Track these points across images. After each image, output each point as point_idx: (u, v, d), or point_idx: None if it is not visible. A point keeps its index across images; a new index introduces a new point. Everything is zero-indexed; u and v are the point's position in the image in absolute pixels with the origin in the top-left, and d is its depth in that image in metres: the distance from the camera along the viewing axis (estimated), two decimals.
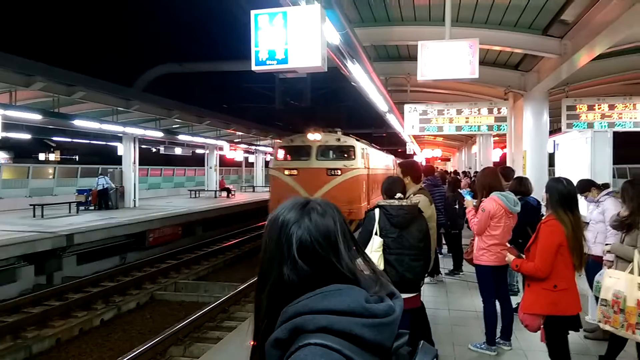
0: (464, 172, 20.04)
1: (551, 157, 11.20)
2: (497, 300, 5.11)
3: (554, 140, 11.39)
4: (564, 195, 3.73)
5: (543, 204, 4.04)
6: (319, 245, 1.15)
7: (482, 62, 9.74)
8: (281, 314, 1.11)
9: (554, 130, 13.83)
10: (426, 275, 5.49)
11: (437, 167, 25.04)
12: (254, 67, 4.82)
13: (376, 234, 4.02)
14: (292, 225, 1.17)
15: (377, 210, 4.12)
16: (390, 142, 28.66)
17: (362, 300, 1.09)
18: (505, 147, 14.70)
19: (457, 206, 8.45)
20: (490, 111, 11.10)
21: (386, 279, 1.25)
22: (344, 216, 1.27)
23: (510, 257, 4.05)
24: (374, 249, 3.96)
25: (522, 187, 6.05)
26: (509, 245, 4.93)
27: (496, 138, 20.25)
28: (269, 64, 4.75)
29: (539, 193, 5.75)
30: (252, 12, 4.71)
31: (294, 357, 1.01)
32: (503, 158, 19.16)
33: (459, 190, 7.32)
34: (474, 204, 5.19)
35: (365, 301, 1.09)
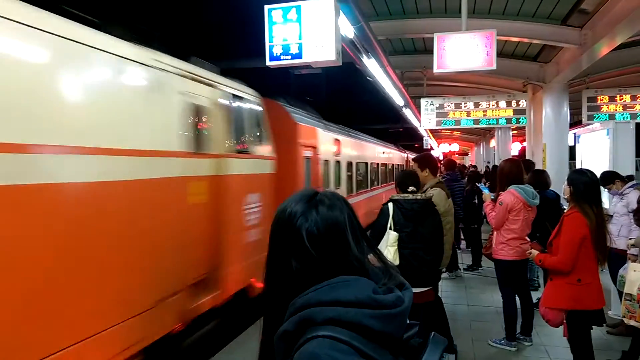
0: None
1: (571, 150, 10.98)
2: (517, 296, 5.04)
3: (575, 133, 11.16)
4: (589, 187, 3.64)
5: (564, 196, 3.95)
6: (327, 237, 1.14)
7: (500, 54, 9.59)
8: (289, 306, 1.10)
9: (575, 122, 13.57)
10: (443, 270, 5.44)
11: (456, 162, 24.80)
12: (268, 63, 4.81)
13: (390, 228, 3.98)
14: (299, 217, 1.15)
15: (390, 205, 4.07)
16: (407, 137, 28.45)
17: (370, 291, 1.07)
18: (524, 140, 14.49)
19: (475, 200, 8.35)
20: (509, 104, 10.95)
21: (396, 271, 1.23)
22: (353, 208, 1.25)
23: (534, 252, 3.97)
24: (389, 244, 3.92)
25: (540, 180, 5.94)
26: (528, 239, 4.86)
27: (515, 131, 20.00)
28: (284, 59, 4.74)
29: (558, 186, 5.64)
30: (266, 7, 4.70)
31: (302, 349, 1.00)
32: (522, 152, 18.89)
33: (477, 184, 7.22)
34: (492, 197, 5.11)
35: (373, 292, 1.08)
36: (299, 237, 1.13)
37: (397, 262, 3.86)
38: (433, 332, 1.21)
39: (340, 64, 4.87)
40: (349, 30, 5.52)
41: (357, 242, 1.17)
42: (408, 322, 1.15)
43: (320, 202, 1.18)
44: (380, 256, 1.24)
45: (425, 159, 5.10)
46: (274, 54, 4.70)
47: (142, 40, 4.24)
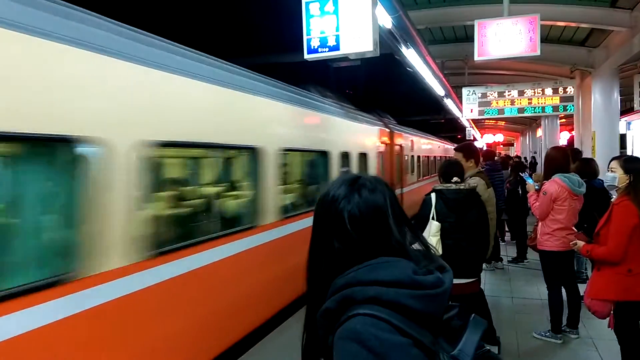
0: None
1: (622, 138, 10.54)
2: (563, 287, 4.91)
3: (626, 120, 10.70)
4: None
5: (610, 184, 3.79)
6: (368, 219, 1.18)
7: (546, 40, 9.32)
8: (331, 285, 1.14)
9: (626, 109, 12.99)
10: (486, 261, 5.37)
11: (500, 152, 24.16)
12: (306, 56, 4.86)
13: (433, 218, 3.95)
14: (342, 200, 1.19)
15: (433, 195, 4.04)
16: (449, 128, 27.98)
17: (409, 272, 1.11)
18: (572, 129, 13.99)
19: (519, 190, 8.13)
20: (556, 91, 10.61)
21: (436, 254, 1.26)
22: (394, 192, 1.27)
23: (580, 244, 3.86)
24: (432, 234, 3.89)
25: (588, 168, 5.73)
26: (575, 230, 4.71)
27: (563, 120, 19.31)
28: (321, 52, 4.78)
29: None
30: (303, 0, 4.74)
31: (344, 326, 1.05)
32: (571, 141, 18.23)
33: (520, 174, 7.05)
34: (536, 187, 4.98)
35: (413, 273, 1.11)
36: (341, 219, 1.17)
37: (440, 252, 3.84)
38: (473, 314, 1.23)
39: (378, 55, 4.86)
40: (386, 21, 5.50)
41: (398, 225, 1.20)
42: (449, 303, 1.18)
43: (362, 186, 1.21)
44: (421, 239, 1.27)
45: (469, 148, 5.07)
46: (312, 47, 4.74)
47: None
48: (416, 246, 1.27)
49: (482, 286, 4.80)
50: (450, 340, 1.14)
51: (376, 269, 1.11)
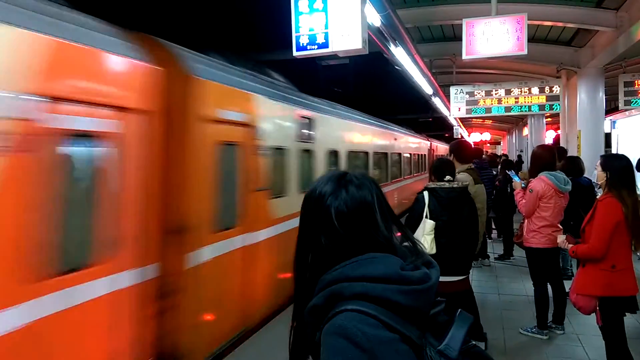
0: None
1: (607, 137, 10.68)
2: (549, 284, 4.97)
3: (611, 119, 10.84)
4: (625, 171, 3.57)
5: (597, 183, 3.87)
6: (355, 215, 1.18)
7: (532, 39, 9.41)
8: (319, 282, 1.15)
9: (611, 109, 13.17)
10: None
11: (488, 151, 24.37)
12: (295, 53, 4.84)
13: (426, 216, 3.95)
14: (329, 196, 1.20)
15: (426, 193, 4.05)
16: (437, 127, 28.11)
17: (397, 268, 1.11)
18: (558, 128, 14.14)
19: (509, 188, 8.18)
20: (542, 90, 10.71)
21: (423, 250, 1.27)
22: (381, 189, 1.28)
23: (562, 238, 3.92)
24: (426, 232, 3.89)
25: (574, 166, 5.80)
26: (560, 227, 4.77)
27: (549, 119, 19.53)
28: (310, 49, 4.77)
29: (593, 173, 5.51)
30: None
31: (332, 322, 1.05)
32: (557, 140, 18.41)
33: (507, 171, 7.10)
34: (522, 185, 5.04)
35: (400, 269, 1.11)
36: (328, 215, 1.18)
37: (434, 251, 3.84)
38: (460, 309, 1.23)
39: (367, 53, 4.86)
40: (375, 19, 5.50)
41: (385, 221, 1.21)
42: (436, 299, 1.19)
43: (349, 182, 1.22)
44: (408, 235, 1.28)
45: (455, 146, 5.18)
46: (301, 44, 4.73)
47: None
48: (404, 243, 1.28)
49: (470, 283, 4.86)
50: (437, 335, 1.15)
51: (363, 264, 1.11)
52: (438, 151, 23.48)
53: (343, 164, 8.21)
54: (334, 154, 7.95)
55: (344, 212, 1.17)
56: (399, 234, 1.27)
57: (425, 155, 19.33)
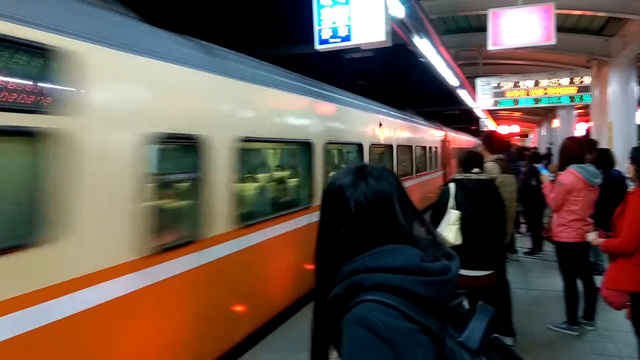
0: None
1: None
2: (579, 279, 4.85)
3: None
4: None
5: (628, 175, 3.75)
6: (374, 207, 1.19)
7: (561, 29, 9.15)
8: (339, 273, 1.16)
9: None
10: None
11: (516, 144, 23.93)
12: (317, 47, 4.84)
13: (452, 208, 3.93)
14: (348, 188, 1.21)
15: (452, 185, 4.01)
16: (464, 120, 27.75)
17: (416, 259, 1.11)
18: (590, 120, 13.78)
19: (534, 182, 8.01)
20: (572, 81, 10.45)
21: (444, 242, 1.26)
22: (401, 181, 1.28)
23: (599, 240, 3.81)
24: (451, 222, 3.86)
25: (604, 159, 5.64)
26: (590, 220, 4.65)
27: (580, 111, 19.00)
28: (332, 42, 4.76)
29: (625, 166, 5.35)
30: None
31: (352, 312, 1.06)
32: (588, 132, 17.94)
33: (534, 165, 6.95)
34: (551, 178, 4.92)
35: (420, 260, 1.11)
36: (347, 207, 1.19)
37: (459, 242, 3.81)
38: (480, 302, 1.23)
39: (390, 45, 4.83)
40: (399, 10, 5.44)
41: (405, 213, 1.21)
42: (456, 291, 1.18)
43: (368, 175, 1.22)
44: (428, 227, 1.27)
45: (485, 137, 5.14)
46: (323, 38, 4.72)
47: None
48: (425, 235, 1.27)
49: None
50: (458, 327, 1.14)
51: (383, 256, 1.12)
52: (456, 143, 21.59)
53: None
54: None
55: (362, 204, 1.18)
56: (423, 228, 1.26)
57: (436, 148, 16.05)
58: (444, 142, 18.08)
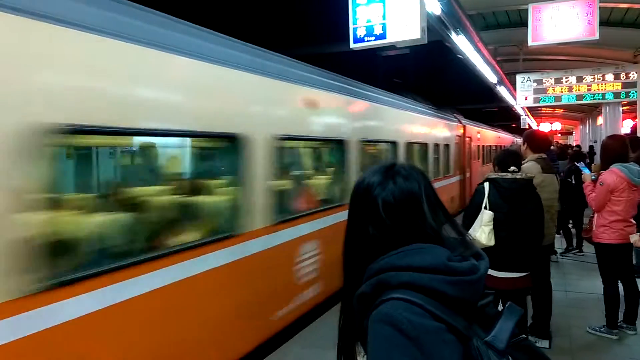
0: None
1: None
2: (620, 282, 4.71)
3: None
4: None
5: None
6: (402, 206, 1.20)
7: (607, 22, 8.85)
8: (366, 270, 1.17)
9: None
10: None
11: (558, 142, 23.18)
12: (352, 45, 4.86)
13: (486, 207, 3.80)
14: (376, 187, 1.22)
15: (486, 184, 3.89)
16: (503, 117, 27.14)
17: (444, 258, 1.12)
18: (636, 117, 13.23)
19: (572, 180, 7.74)
20: (617, 76, 10.07)
21: (473, 242, 1.26)
22: (429, 180, 1.29)
23: (635, 237, 3.69)
24: (484, 223, 3.74)
25: None
26: (633, 221, 4.51)
27: (626, 107, 18.24)
28: (367, 41, 4.77)
29: None
30: None
31: (378, 310, 1.08)
32: (634, 129, 17.21)
33: (576, 163, 6.74)
34: (593, 177, 4.79)
35: (447, 260, 1.12)
36: (375, 206, 1.20)
37: (492, 243, 3.69)
38: (509, 302, 1.23)
39: (426, 42, 4.80)
40: (435, 7, 5.39)
41: (433, 212, 1.22)
42: (484, 291, 1.19)
43: (397, 174, 1.23)
44: (457, 227, 1.27)
45: (527, 135, 5.01)
46: (358, 36, 4.74)
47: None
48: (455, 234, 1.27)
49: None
50: (485, 327, 1.14)
51: (410, 254, 1.13)
52: (483, 140, 18.34)
53: None
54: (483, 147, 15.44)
55: (390, 203, 1.19)
56: (452, 227, 1.27)
57: (447, 147, 12.21)
58: (463, 138, 14.07)
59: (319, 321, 5.26)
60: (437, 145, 11.08)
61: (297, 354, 4.49)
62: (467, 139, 14.89)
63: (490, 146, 20.22)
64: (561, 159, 8.93)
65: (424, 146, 10.15)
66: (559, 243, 8.36)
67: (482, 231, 3.71)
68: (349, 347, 1.27)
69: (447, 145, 12.13)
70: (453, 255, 1.15)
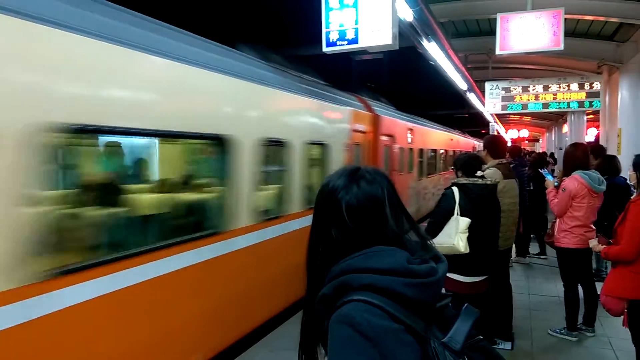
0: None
1: None
2: (580, 285, 4.86)
3: None
4: None
5: (631, 183, 3.76)
6: (365, 210, 1.21)
7: (572, 34, 9.16)
8: (329, 273, 1.19)
9: None
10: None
11: (526, 148, 23.62)
12: (324, 49, 4.89)
13: (458, 214, 3.68)
14: (341, 190, 1.23)
15: (455, 189, 3.77)
16: (473, 123, 27.63)
17: (404, 261, 1.14)
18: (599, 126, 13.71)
19: (530, 187, 7.82)
20: (582, 86, 10.42)
21: (433, 245, 1.29)
22: (393, 184, 1.30)
23: (600, 247, 3.81)
24: (461, 230, 3.60)
25: (610, 166, 5.64)
26: (593, 227, 4.66)
27: (591, 116, 18.89)
28: (340, 45, 4.81)
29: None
30: None
31: (339, 311, 1.10)
32: (598, 138, 17.82)
33: (539, 169, 6.91)
34: (555, 184, 4.93)
35: (407, 262, 1.14)
36: (339, 209, 1.21)
37: (467, 251, 3.57)
38: (466, 304, 1.25)
39: (397, 48, 4.86)
40: (407, 14, 5.47)
41: (396, 216, 1.23)
42: (442, 292, 1.21)
43: (361, 177, 1.24)
44: (418, 230, 1.29)
45: (488, 141, 4.98)
46: (330, 40, 4.77)
47: None
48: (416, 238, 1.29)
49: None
50: (443, 328, 1.17)
51: (371, 257, 1.15)
52: (426, 144, 13.21)
53: None
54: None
55: (354, 207, 1.20)
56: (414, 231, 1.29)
57: (327, 150, 6.87)
58: (374, 135, 8.77)
59: (285, 325, 5.26)
60: (278, 146, 5.51)
61: (263, 357, 4.48)
62: (384, 137, 9.33)
63: (436, 152, 15.10)
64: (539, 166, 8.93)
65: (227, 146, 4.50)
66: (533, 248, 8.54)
67: (460, 238, 3.58)
68: (310, 347, 1.28)
69: (325, 147, 6.76)
70: (413, 258, 1.17)
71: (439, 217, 3.77)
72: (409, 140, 11.28)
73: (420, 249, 1.24)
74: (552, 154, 18.80)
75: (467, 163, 4.00)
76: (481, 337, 1.24)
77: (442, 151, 16.11)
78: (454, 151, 17.71)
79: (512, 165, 6.08)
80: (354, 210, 1.20)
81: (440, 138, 15.85)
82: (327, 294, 1.15)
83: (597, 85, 10.24)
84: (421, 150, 12.53)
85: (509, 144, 24.95)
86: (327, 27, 4.77)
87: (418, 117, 13.45)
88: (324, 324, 1.15)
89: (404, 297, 1.09)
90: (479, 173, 4.03)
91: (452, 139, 18.19)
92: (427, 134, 13.49)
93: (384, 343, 1.03)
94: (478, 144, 23.08)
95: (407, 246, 1.22)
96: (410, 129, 11.46)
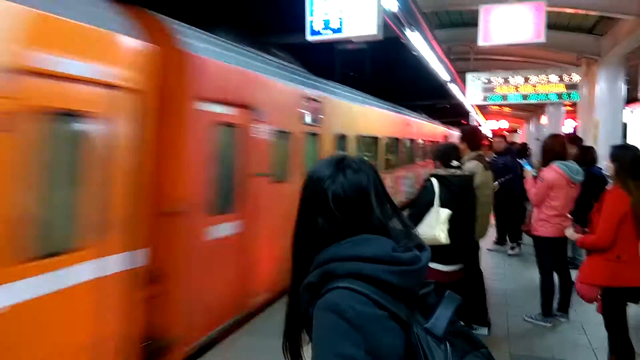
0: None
1: (625, 127, 10.51)
2: (556, 273, 5.00)
3: (631, 110, 10.67)
4: (634, 162, 3.55)
5: (607, 173, 3.87)
6: (351, 199, 1.24)
7: (553, 26, 9.25)
8: (314, 260, 1.22)
9: (633, 99, 12.93)
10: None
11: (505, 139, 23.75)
12: (308, 38, 4.89)
13: (438, 205, 3.70)
14: (327, 180, 1.25)
15: (435, 180, 3.80)
16: (454, 113, 27.85)
17: (389, 249, 1.18)
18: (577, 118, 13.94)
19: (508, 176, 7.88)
20: (561, 78, 10.56)
21: (417, 234, 1.33)
22: (379, 173, 1.33)
23: (576, 236, 3.92)
24: (442, 221, 3.62)
25: (587, 156, 5.78)
26: (570, 216, 4.79)
27: (569, 108, 19.17)
28: (324, 34, 4.81)
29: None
30: None
31: (324, 298, 1.12)
32: (575, 130, 18.10)
33: (519, 160, 7.03)
34: (534, 173, 5.04)
35: (392, 250, 1.18)
36: (325, 198, 1.23)
37: (448, 241, 3.60)
38: (448, 291, 1.29)
39: (382, 39, 4.88)
40: (392, 4, 5.48)
41: (381, 205, 1.26)
42: (425, 280, 1.25)
43: (347, 167, 1.27)
44: (402, 219, 1.32)
45: (467, 133, 4.98)
46: (315, 29, 4.77)
47: None
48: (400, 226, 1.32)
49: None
50: (426, 314, 1.20)
51: (356, 245, 1.18)
52: (354, 127, 8.60)
53: None
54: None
55: (340, 196, 1.22)
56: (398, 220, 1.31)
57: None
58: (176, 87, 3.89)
59: (269, 311, 5.30)
60: None
61: (245, 342, 4.52)
62: (218, 107, 4.43)
63: (376, 141, 10.24)
64: (521, 157, 8.98)
65: None
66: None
67: (441, 230, 3.61)
68: (294, 334, 1.31)
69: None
70: (397, 246, 1.20)
71: (420, 208, 3.80)
72: (307, 119, 6.51)
73: (405, 237, 1.27)
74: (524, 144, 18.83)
75: (444, 153, 4.04)
76: (462, 323, 1.29)
77: (386, 141, 10.98)
78: (411, 140, 13.87)
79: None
80: (340, 199, 1.22)
81: (383, 121, 10.85)
82: (312, 282, 1.18)
83: (575, 78, 10.40)
84: (342, 137, 7.98)
85: (490, 134, 25.15)
86: (311, 16, 4.77)
87: (339, 84, 8.78)
88: (308, 311, 1.17)
89: (388, 284, 1.12)
90: (455, 163, 3.99)
91: (408, 124, 13.52)
92: (351, 113, 8.61)
93: (369, 329, 1.06)
94: (451, 134, 20.83)
95: (391, 234, 1.25)
96: (310, 99, 6.56)
